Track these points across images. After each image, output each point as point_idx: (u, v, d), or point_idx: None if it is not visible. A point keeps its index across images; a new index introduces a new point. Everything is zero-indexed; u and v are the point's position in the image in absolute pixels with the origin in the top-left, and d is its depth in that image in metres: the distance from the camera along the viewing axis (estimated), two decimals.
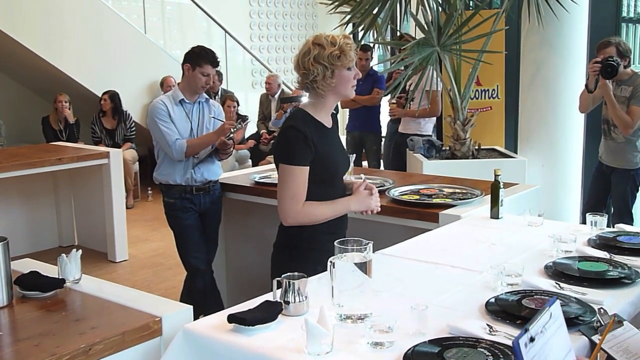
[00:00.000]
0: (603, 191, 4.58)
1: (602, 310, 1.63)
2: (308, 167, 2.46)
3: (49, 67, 7.33)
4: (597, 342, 1.53)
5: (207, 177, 3.90)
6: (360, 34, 5.67)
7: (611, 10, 6.02)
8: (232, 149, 3.93)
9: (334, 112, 2.77)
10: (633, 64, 8.08)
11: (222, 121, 3.88)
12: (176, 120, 3.78)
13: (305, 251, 2.55)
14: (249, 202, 4.02)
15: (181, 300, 3.81)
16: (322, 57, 2.42)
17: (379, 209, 2.64)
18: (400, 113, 6.00)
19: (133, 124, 7.69)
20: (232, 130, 3.77)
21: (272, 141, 7.71)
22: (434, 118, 6.03)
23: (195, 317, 2.06)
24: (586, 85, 4.47)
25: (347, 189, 2.66)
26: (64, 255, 2.28)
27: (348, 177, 2.79)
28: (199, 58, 3.75)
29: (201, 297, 3.90)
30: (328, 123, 2.58)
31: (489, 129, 6.03)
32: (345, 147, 2.82)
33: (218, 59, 3.84)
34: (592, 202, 4.62)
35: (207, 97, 3.96)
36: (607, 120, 4.44)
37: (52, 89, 7.74)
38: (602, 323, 1.59)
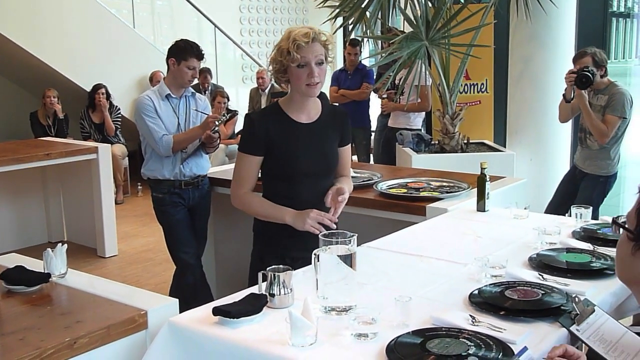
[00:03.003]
0: (569, 195, 4.55)
1: (577, 298, 1.65)
2: (257, 157, 2.52)
3: (37, 62, 7.30)
4: (576, 332, 1.54)
5: (196, 171, 3.91)
6: (350, 28, 5.68)
7: (599, 4, 6.04)
8: (218, 142, 3.93)
9: (338, 109, 2.75)
10: (623, 58, 8.14)
11: (207, 114, 3.87)
12: (163, 115, 3.77)
13: (259, 242, 2.67)
14: None
15: (170, 295, 3.81)
16: (279, 49, 2.44)
17: (315, 232, 2.33)
18: (391, 107, 6.01)
19: (119, 115, 7.67)
20: (216, 123, 3.77)
21: None
22: (423, 112, 6.05)
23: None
24: (564, 95, 4.51)
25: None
26: (49, 249, 2.28)
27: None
28: (184, 52, 3.75)
29: (191, 291, 3.90)
30: (301, 118, 2.54)
31: (478, 123, 6.05)
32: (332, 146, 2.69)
33: (202, 52, 3.84)
34: (556, 204, 4.61)
35: (193, 91, 3.96)
36: (584, 129, 4.48)
37: (40, 84, 7.71)
38: (578, 312, 1.61)
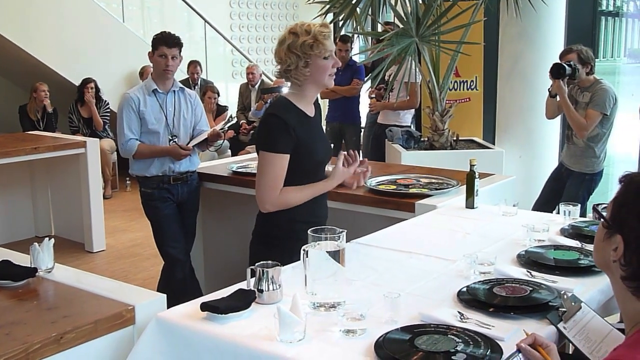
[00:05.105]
0: (555, 193, 4.55)
1: (565, 295, 1.66)
2: (288, 155, 2.47)
3: (26, 56, 7.24)
4: (563, 330, 1.55)
5: (185, 167, 3.90)
6: (340, 24, 5.67)
7: (589, 3, 6.07)
8: (221, 142, 4.00)
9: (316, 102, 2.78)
10: (612, 56, 8.18)
11: (204, 130, 3.93)
12: (150, 111, 3.76)
13: (281, 240, 2.56)
14: (227, 191, 4.02)
15: (158, 291, 3.79)
16: (296, 47, 2.42)
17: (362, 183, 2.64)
18: (379, 106, 6.02)
19: (108, 110, 7.62)
20: (221, 134, 3.92)
21: (251, 131, 7.70)
22: (413, 109, 6.05)
23: None
24: (549, 91, 4.53)
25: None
26: (36, 244, 2.26)
27: (328, 167, 2.80)
28: (156, 42, 3.78)
29: (179, 287, 3.88)
30: (310, 112, 2.58)
31: (468, 120, 6.07)
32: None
33: (175, 40, 3.79)
34: (543, 202, 4.62)
35: (181, 86, 3.94)
36: (571, 126, 4.50)
37: (29, 78, 7.64)
38: (566, 308, 1.62)
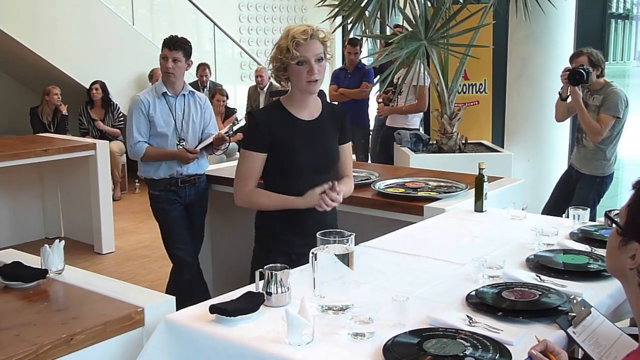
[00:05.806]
0: (565, 196, 4.54)
1: (574, 300, 1.65)
2: (261, 154, 2.52)
3: (37, 59, 7.28)
4: (572, 335, 1.55)
5: (193, 170, 3.91)
6: (349, 27, 5.68)
7: (598, 6, 6.05)
8: (227, 146, 4.05)
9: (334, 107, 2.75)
10: (622, 59, 8.15)
11: (211, 134, 3.94)
12: (159, 115, 3.78)
13: (264, 239, 2.64)
14: None
15: (167, 293, 3.81)
16: (277, 48, 2.46)
17: (327, 208, 2.49)
18: (387, 111, 6.02)
19: (121, 114, 7.65)
20: (226, 138, 3.92)
21: None
22: (421, 112, 6.05)
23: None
24: (560, 94, 4.52)
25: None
26: (46, 245, 2.27)
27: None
28: (162, 45, 3.81)
29: (187, 289, 3.90)
30: (304, 115, 2.57)
31: (476, 123, 6.06)
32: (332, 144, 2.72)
33: (178, 43, 3.79)
34: (553, 205, 4.61)
35: (191, 89, 3.96)
36: (581, 129, 4.49)
37: (39, 81, 7.69)
38: (575, 313, 1.61)
